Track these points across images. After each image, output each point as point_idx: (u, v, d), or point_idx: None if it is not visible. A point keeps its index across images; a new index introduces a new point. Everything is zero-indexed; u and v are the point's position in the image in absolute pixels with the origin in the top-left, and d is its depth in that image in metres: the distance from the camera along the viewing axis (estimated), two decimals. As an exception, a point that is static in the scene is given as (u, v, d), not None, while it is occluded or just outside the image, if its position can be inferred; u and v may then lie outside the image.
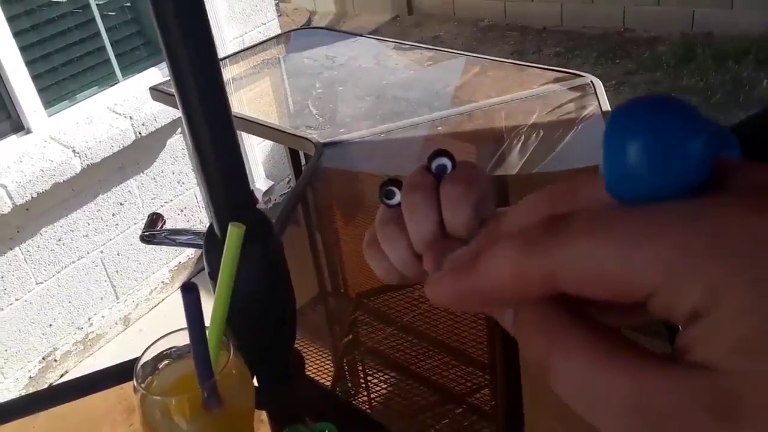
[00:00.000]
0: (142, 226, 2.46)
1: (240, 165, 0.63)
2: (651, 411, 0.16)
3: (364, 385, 1.27)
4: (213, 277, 0.63)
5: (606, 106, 1.36)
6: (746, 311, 0.15)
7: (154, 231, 0.77)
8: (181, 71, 0.56)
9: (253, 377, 0.61)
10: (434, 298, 0.22)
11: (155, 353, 0.56)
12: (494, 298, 0.20)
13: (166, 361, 0.57)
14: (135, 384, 0.52)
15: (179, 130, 2.55)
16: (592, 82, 1.47)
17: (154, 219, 0.78)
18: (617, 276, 0.17)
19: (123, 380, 0.70)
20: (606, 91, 1.46)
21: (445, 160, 0.38)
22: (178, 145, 2.58)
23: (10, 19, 2.11)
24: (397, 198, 0.38)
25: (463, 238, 0.36)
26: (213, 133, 0.59)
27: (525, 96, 1.50)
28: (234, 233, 0.52)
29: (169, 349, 0.58)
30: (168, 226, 1.02)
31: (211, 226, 0.66)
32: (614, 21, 4.20)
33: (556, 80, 1.54)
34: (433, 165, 0.37)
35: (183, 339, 0.58)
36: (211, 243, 0.65)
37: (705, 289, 0.16)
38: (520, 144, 1.29)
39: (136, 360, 0.54)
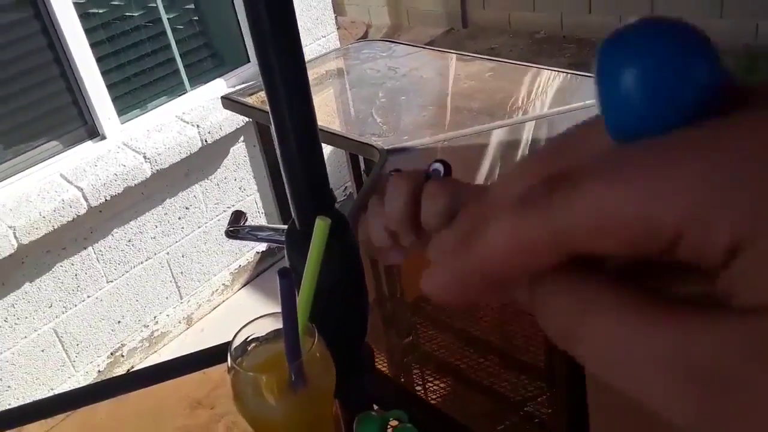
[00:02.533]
0: (206, 229, 2.55)
1: (322, 166, 0.68)
2: (702, 369, 0.14)
3: (422, 390, 1.30)
4: (293, 269, 0.68)
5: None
6: None
7: (237, 227, 0.82)
8: (273, 78, 0.61)
9: (330, 364, 0.65)
10: (433, 292, 0.19)
11: (244, 336, 0.61)
12: (500, 276, 0.17)
13: (254, 344, 0.62)
14: (229, 361, 0.57)
15: (242, 138, 2.64)
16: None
17: (238, 215, 0.84)
18: (637, 220, 0.15)
19: (211, 364, 0.76)
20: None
21: (438, 165, 0.43)
22: (241, 153, 2.68)
23: (88, 32, 2.24)
24: None
25: (432, 230, 0.41)
26: (298, 134, 0.64)
27: (586, 106, 1.51)
28: (321, 226, 0.56)
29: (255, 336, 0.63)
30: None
31: (291, 223, 0.71)
32: (674, 32, 4.13)
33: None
34: (430, 168, 0.43)
35: (268, 325, 0.63)
36: (292, 238, 0.70)
37: (742, 217, 0.14)
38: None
39: (231, 341, 0.59)
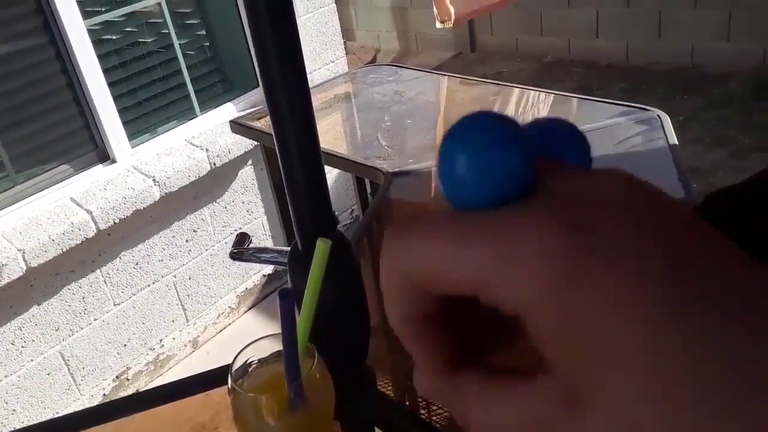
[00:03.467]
0: (213, 252, 2.56)
1: (325, 189, 0.69)
2: (533, 424, 0.19)
3: (426, 414, 1.29)
4: (296, 291, 0.68)
5: (673, 139, 1.36)
6: (546, 308, 0.17)
7: (241, 249, 0.83)
8: (277, 102, 0.62)
9: (331, 386, 0.65)
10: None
11: (245, 358, 0.61)
12: (392, 311, 0.22)
13: (255, 366, 0.62)
14: (230, 382, 0.57)
15: (250, 161, 2.67)
16: (659, 116, 1.48)
17: (242, 237, 0.84)
18: (450, 271, 0.19)
19: (213, 386, 0.76)
20: (674, 127, 1.46)
21: None
22: (249, 176, 2.70)
23: (101, 57, 2.28)
24: None
25: None
26: (302, 157, 0.65)
27: (591, 129, 1.52)
28: (321, 248, 0.56)
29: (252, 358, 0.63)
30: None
31: (294, 245, 0.72)
32: (682, 57, 4.15)
33: (623, 114, 1.55)
34: None
35: (269, 346, 0.63)
36: (295, 259, 0.70)
37: (507, 294, 0.18)
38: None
39: (231, 362, 0.59)
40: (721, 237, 0.18)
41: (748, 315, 0.16)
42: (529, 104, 1.79)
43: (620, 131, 1.50)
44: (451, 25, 2.44)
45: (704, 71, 4.06)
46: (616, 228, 0.17)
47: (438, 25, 2.49)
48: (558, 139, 0.22)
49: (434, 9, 2.44)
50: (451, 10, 2.40)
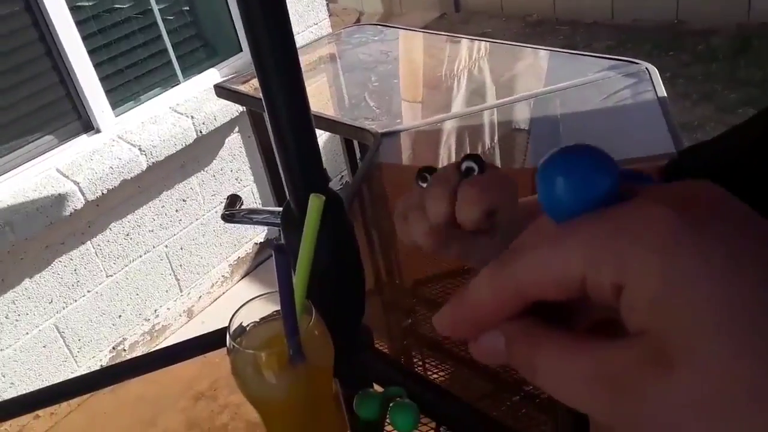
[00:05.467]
0: (204, 221, 2.56)
1: (315, 147, 0.68)
2: (611, 378, 0.21)
3: (422, 372, 1.31)
4: (290, 250, 0.68)
5: (662, 92, 1.36)
6: (645, 276, 0.20)
7: (233, 210, 0.83)
8: (264, 61, 0.61)
9: (328, 343, 0.65)
10: (438, 328, 0.26)
11: (242, 317, 0.61)
12: (481, 318, 0.24)
13: (252, 325, 0.62)
14: (228, 340, 0.57)
15: (237, 128, 2.64)
16: (647, 68, 1.48)
17: (233, 199, 0.84)
18: (558, 273, 0.22)
19: (211, 348, 0.76)
20: (660, 82, 1.46)
21: (471, 163, 0.46)
22: (236, 144, 2.67)
23: (79, 24, 2.23)
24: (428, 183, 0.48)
25: (469, 230, 0.44)
26: (292, 115, 0.64)
27: (580, 83, 1.51)
28: (315, 203, 0.56)
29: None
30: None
31: (287, 204, 0.71)
32: (667, 13, 4.13)
33: (611, 68, 1.55)
34: (462, 166, 0.45)
35: (265, 306, 0.64)
36: (288, 219, 0.70)
37: (616, 265, 0.20)
38: (575, 131, 1.31)
39: (229, 322, 0.59)
40: None
41: None
42: (517, 62, 1.77)
43: (609, 85, 1.49)
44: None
45: (689, 27, 4.04)
46: (709, 216, 0.20)
47: None
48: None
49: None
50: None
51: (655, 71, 1.46)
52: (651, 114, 1.31)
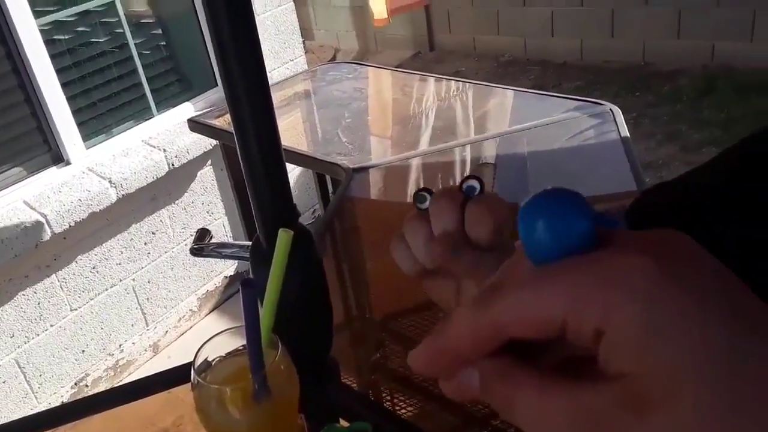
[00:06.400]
0: (173, 254, 2.53)
1: (285, 182, 0.69)
2: (589, 419, 0.21)
3: (390, 406, 1.30)
4: (259, 284, 0.68)
5: (625, 132, 1.40)
6: (629, 323, 0.21)
7: (202, 244, 0.83)
8: (237, 96, 0.62)
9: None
10: (413, 366, 0.26)
11: (207, 352, 0.61)
12: (458, 356, 0.25)
13: (217, 359, 0.62)
14: (193, 375, 0.57)
15: (210, 161, 2.64)
16: (611, 109, 1.52)
17: (203, 233, 0.84)
18: (540, 316, 0.22)
19: (175, 384, 0.75)
20: (626, 123, 1.51)
21: (474, 182, 0.47)
22: (208, 177, 2.67)
23: (54, 57, 2.23)
24: (427, 203, 0.47)
25: (480, 246, 0.45)
26: (263, 151, 0.65)
27: (546, 123, 1.55)
28: (283, 238, 0.57)
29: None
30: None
31: (256, 239, 0.72)
32: (634, 55, 4.26)
33: (577, 108, 1.59)
34: (464, 186, 0.46)
35: (230, 341, 0.63)
36: (257, 253, 0.70)
37: (598, 312, 0.21)
38: (541, 169, 1.33)
39: (194, 356, 0.59)
40: (740, 282, 0.22)
41: None
42: (486, 101, 1.81)
43: (574, 125, 1.53)
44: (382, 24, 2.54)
45: (655, 69, 4.17)
46: (684, 266, 0.22)
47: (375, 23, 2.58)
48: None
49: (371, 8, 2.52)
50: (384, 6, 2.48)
51: (618, 112, 1.51)
52: (614, 153, 1.35)
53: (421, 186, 1.63)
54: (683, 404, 0.20)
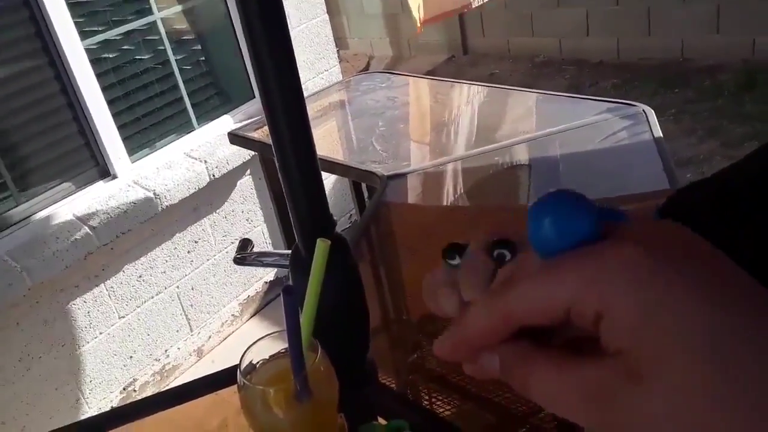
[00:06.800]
0: (215, 262, 2.59)
1: (322, 192, 0.72)
2: (594, 393, 0.25)
3: (428, 406, 1.31)
4: (298, 291, 0.71)
5: (658, 132, 1.40)
6: (623, 307, 0.24)
7: (245, 253, 0.86)
8: (274, 112, 0.65)
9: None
10: (438, 353, 0.30)
11: (252, 356, 0.64)
12: (477, 343, 0.28)
13: (261, 362, 0.65)
14: (239, 377, 0.60)
15: (248, 171, 2.70)
16: (644, 110, 1.52)
17: (245, 243, 0.88)
18: (547, 304, 0.25)
19: (221, 386, 0.79)
20: (666, 120, 1.50)
21: (504, 251, 0.45)
22: (248, 186, 2.73)
23: (99, 76, 2.32)
24: (457, 261, 0.46)
25: None
26: (300, 166, 0.69)
27: (579, 125, 1.55)
28: (321, 247, 0.60)
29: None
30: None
31: (295, 247, 0.75)
32: (672, 52, 4.20)
33: (609, 110, 1.59)
34: (495, 253, 0.44)
35: (273, 345, 0.67)
36: (296, 261, 0.74)
37: (597, 298, 0.24)
38: (574, 171, 1.34)
39: (240, 359, 0.62)
40: (732, 264, 0.25)
41: None
42: (519, 105, 1.82)
43: (607, 127, 1.53)
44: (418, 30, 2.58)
45: (695, 65, 4.10)
46: (677, 255, 0.25)
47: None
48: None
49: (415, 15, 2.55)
50: (417, 15, 2.50)
51: (651, 113, 1.50)
52: (648, 154, 1.34)
53: (459, 190, 1.65)
54: (672, 375, 0.23)
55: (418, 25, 2.60)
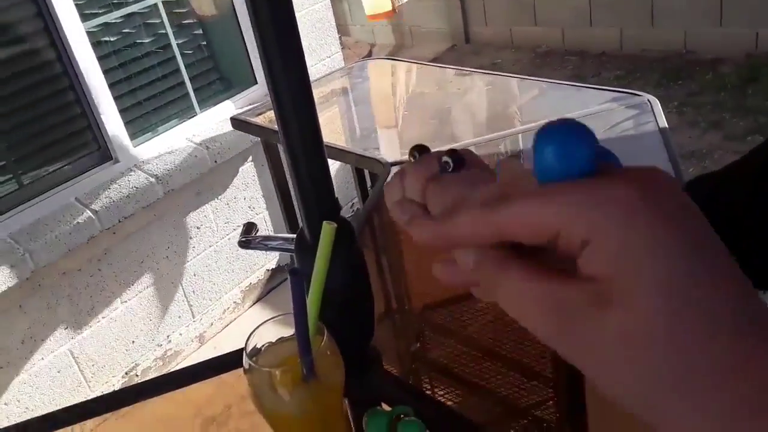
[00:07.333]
0: (217, 248, 2.60)
1: (327, 176, 0.72)
2: (558, 308, 0.26)
3: (429, 391, 1.32)
4: (303, 273, 0.71)
5: (663, 123, 1.40)
6: (608, 237, 0.25)
7: (249, 237, 0.87)
8: (281, 95, 0.65)
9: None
10: (416, 236, 0.32)
11: (258, 338, 0.65)
12: (458, 242, 0.30)
13: (267, 345, 0.65)
14: (245, 360, 0.61)
15: (251, 157, 2.70)
16: (649, 100, 1.51)
17: (249, 227, 0.88)
18: (538, 224, 0.27)
19: (225, 370, 0.79)
20: (669, 112, 1.50)
21: (449, 161, 0.48)
22: (250, 173, 2.73)
23: (101, 59, 2.31)
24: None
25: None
26: (306, 145, 0.69)
27: (583, 115, 1.55)
28: (327, 230, 0.60)
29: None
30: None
31: (300, 231, 0.75)
32: (675, 44, 4.18)
33: (614, 100, 1.59)
34: (442, 159, 0.48)
35: (278, 329, 0.67)
36: (301, 245, 0.74)
37: (586, 226, 0.26)
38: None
39: (246, 341, 0.62)
40: (702, 217, 0.27)
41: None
42: (523, 93, 1.82)
43: (612, 116, 1.53)
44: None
45: (697, 57, 4.08)
46: (660, 197, 0.26)
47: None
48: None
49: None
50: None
51: (657, 103, 1.50)
52: (653, 144, 1.34)
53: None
54: (638, 306, 0.24)
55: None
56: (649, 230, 0.25)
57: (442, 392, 1.31)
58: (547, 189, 0.27)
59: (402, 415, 0.72)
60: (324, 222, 0.60)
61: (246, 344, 0.63)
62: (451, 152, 0.50)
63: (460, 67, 2.07)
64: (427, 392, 1.30)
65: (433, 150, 0.53)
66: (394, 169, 1.49)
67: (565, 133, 0.27)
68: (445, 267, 0.31)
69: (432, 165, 0.50)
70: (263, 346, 0.66)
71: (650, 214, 0.25)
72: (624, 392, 0.26)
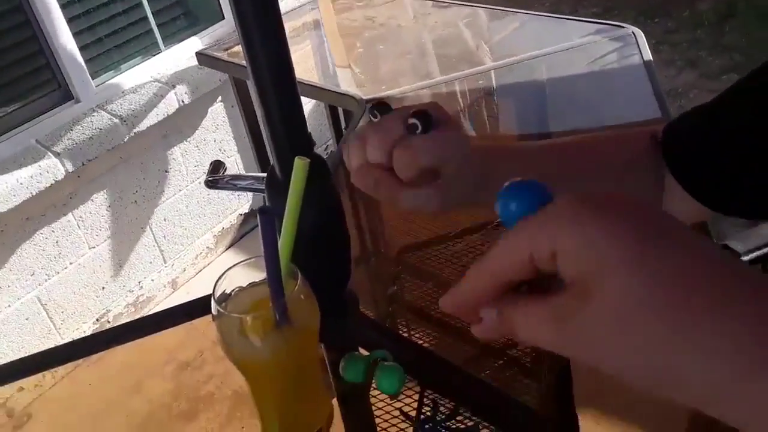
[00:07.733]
0: (188, 192, 2.53)
1: (299, 110, 0.67)
2: (558, 318, 0.30)
3: (406, 333, 1.31)
4: (274, 213, 0.67)
5: (648, 56, 1.35)
6: (566, 243, 0.29)
7: (216, 176, 0.82)
8: (247, 23, 0.59)
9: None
10: (446, 309, 0.36)
11: (227, 283, 0.61)
12: (474, 301, 0.34)
13: (237, 290, 0.62)
14: (213, 306, 0.57)
15: (220, 98, 2.60)
16: (633, 32, 1.47)
17: (217, 165, 0.83)
18: (513, 256, 0.31)
19: (197, 315, 0.76)
20: (646, 48, 1.45)
21: (414, 121, 0.45)
22: (219, 114, 2.64)
23: (57, -8, 2.17)
24: (379, 119, 0.48)
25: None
26: (275, 78, 0.63)
27: (565, 48, 1.50)
28: (299, 165, 0.55)
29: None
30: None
31: (271, 169, 0.71)
32: (653, -21, 4.10)
33: (597, 32, 1.54)
34: (408, 121, 0.45)
35: (249, 273, 0.63)
36: (272, 183, 0.69)
37: (547, 239, 0.30)
38: (561, 96, 1.30)
39: (213, 287, 0.58)
40: (652, 205, 0.32)
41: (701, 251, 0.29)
42: (503, 26, 1.75)
43: (595, 49, 1.48)
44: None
45: (676, -7, 4.02)
46: (606, 198, 0.31)
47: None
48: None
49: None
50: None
51: (641, 35, 1.45)
52: (637, 78, 1.30)
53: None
54: (608, 293, 0.28)
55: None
56: (600, 221, 0.29)
57: (419, 334, 1.30)
58: (512, 230, 0.32)
59: (379, 359, 0.69)
60: (296, 158, 0.55)
61: (214, 289, 0.59)
62: (419, 113, 0.46)
63: (437, 0, 1.99)
64: (404, 334, 1.29)
65: (395, 107, 0.49)
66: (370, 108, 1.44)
67: (523, 191, 0.33)
68: (478, 328, 0.35)
69: (397, 126, 0.46)
70: (233, 291, 0.62)
71: (596, 209, 0.29)
72: (633, 373, 0.29)
